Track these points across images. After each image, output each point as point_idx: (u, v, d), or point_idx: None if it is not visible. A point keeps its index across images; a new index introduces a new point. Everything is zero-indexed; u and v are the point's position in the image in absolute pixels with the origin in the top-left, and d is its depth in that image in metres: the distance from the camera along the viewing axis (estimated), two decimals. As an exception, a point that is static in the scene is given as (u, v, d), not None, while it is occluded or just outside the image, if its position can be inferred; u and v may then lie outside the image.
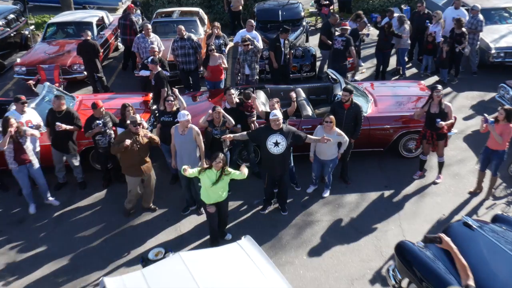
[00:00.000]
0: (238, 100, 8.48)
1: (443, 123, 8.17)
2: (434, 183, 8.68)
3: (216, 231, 7.25)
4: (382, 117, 9.15)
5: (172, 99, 8.36)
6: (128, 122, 7.74)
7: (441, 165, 8.72)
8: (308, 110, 9.14)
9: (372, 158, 9.52)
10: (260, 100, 9.25)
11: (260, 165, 8.14)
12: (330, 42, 11.81)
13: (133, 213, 8.33)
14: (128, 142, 7.34)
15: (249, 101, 8.38)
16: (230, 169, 6.78)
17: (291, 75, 12.04)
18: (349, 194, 8.62)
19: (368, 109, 9.22)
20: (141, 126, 7.65)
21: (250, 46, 10.57)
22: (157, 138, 7.73)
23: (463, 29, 11.98)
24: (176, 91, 8.63)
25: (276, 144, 7.28)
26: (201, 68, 11.24)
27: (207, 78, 10.94)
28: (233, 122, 8.07)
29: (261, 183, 8.28)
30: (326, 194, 8.64)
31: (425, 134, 8.43)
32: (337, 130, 7.84)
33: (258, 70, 11.04)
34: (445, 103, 8.17)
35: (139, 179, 7.90)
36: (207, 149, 7.86)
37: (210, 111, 7.91)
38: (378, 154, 9.51)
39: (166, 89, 9.45)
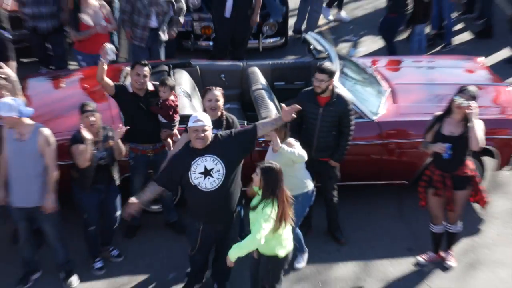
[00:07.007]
0: (152, 87, 7.12)
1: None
2: (441, 266, 7.34)
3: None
4: (406, 122, 7.85)
5: None
6: None
7: (453, 238, 7.36)
8: (270, 108, 7.73)
9: (386, 198, 8.37)
10: (182, 89, 7.88)
11: (187, 212, 6.71)
12: None
13: None
14: None
15: (171, 98, 7.07)
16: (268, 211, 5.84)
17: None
18: (343, 264, 7.33)
19: (380, 107, 7.94)
20: None
21: None
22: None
23: None
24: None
25: (207, 173, 6.01)
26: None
27: (77, 47, 9.35)
28: (123, 150, 6.79)
29: (182, 243, 7.15)
30: (300, 263, 7.22)
31: (430, 178, 6.98)
32: (291, 141, 6.59)
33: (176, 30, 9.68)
34: (476, 121, 6.66)
35: None
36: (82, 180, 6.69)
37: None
38: (398, 192, 8.35)
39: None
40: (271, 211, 5.67)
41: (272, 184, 5.70)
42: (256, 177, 5.78)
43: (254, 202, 5.96)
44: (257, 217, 5.74)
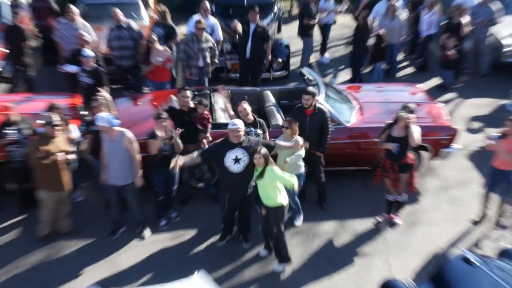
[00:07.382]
0: (193, 105, 8.33)
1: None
2: (392, 223, 8.53)
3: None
4: (369, 128, 9.07)
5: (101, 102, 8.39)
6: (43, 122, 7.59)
7: (399, 205, 8.50)
8: (278, 118, 9.02)
9: (356, 179, 9.53)
10: (219, 106, 9.28)
11: (217, 186, 8.12)
12: (315, 21, 12.67)
13: (50, 242, 8.21)
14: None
15: (205, 112, 8.30)
16: (277, 168, 7.16)
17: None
18: (327, 222, 8.61)
19: (351, 117, 9.22)
20: (61, 129, 7.68)
21: (204, 31, 10.68)
22: None
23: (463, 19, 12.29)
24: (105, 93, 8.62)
25: (237, 160, 7.23)
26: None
27: (148, 77, 10.91)
28: (181, 146, 8.00)
29: (218, 208, 8.16)
30: (298, 222, 8.57)
31: (384, 166, 8.11)
32: (297, 137, 7.78)
33: (214, 67, 11.19)
34: (413, 127, 7.84)
35: (57, 196, 7.82)
36: (150, 165, 7.96)
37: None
38: (364, 174, 9.46)
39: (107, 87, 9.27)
40: (276, 168, 7.13)
41: (269, 157, 7.09)
42: (261, 160, 7.02)
43: (257, 174, 7.11)
44: (270, 178, 7.01)
